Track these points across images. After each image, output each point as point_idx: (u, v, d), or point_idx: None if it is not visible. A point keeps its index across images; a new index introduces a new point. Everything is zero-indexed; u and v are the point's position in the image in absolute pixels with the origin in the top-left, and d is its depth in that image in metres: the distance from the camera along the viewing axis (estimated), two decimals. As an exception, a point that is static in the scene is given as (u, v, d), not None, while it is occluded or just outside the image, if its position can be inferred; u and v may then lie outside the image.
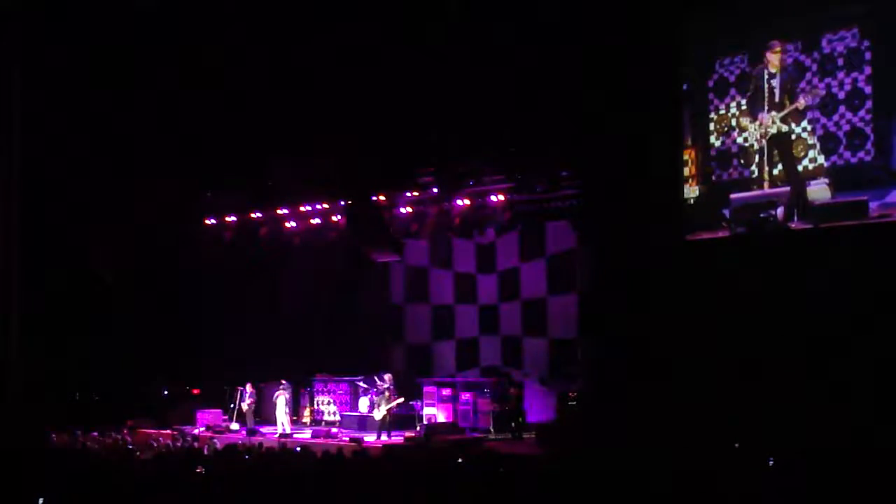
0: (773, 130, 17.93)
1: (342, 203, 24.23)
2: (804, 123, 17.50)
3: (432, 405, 22.95)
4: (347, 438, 20.93)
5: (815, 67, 17.41)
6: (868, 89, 16.82)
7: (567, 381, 21.78)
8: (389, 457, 14.42)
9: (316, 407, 24.62)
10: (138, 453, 15.96)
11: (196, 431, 22.54)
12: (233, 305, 26.29)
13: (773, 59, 17.91)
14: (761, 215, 17.86)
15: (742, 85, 18.35)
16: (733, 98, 18.49)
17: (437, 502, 11.10)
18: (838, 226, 16.97)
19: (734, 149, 18.44)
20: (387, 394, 21.52)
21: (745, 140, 18.30)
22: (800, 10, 17.72)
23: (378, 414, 21.50)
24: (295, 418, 24.26)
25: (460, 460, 13.07)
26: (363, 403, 23.01)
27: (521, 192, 22.12)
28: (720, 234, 18.48)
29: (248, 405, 23.54)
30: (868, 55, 16.81)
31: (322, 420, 24.19)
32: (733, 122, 18.47)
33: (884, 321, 16.03)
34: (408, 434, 21.23)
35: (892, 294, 16.04)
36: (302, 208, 25.15)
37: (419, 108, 21.34)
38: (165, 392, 25.61)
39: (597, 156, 19.76)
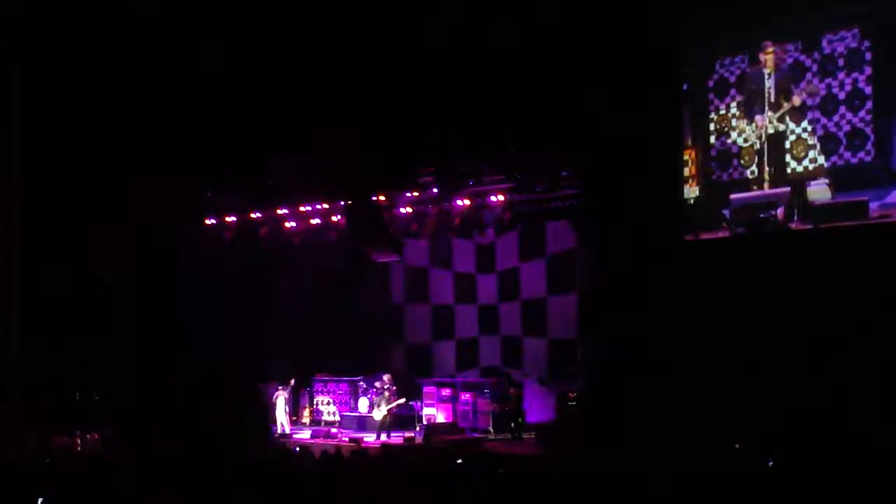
0: (772, 130, 17.93)
1: (342, 203, 24.18)
2: (804, 124, 17.50)
3: (432, 405, 22.94)
4: (347, 438, 20.94)
5: (815, 68, 17.40)
6: (868, 89, 16.81)
7: (567, 382, 21.77)
8: (388, 457, 14.41)
9: (315, 407, 24.63)
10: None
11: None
12: (233, 305, 26.26)
13: (767, 60, 17.93)
14: (761, 215, 17.85)
15: (742, 85, 18.36)
16: (733, 98, 18.48)
17: (437, 502, 11.10)
18: (838, 226, 16.95)
19: (734, 149, 18.44)
20: (386, 394, 21.53)
21: (746, 140, 18.28)
22: (800, 11, 17.70)
23: (378, 414, 21.51)
24: (294, 418, 24.25)
25: (460, 460, 13.06)
26: (363, 404, 23.01)
27: (521, 192, 22.08)
28: (720, 235, 18.47)
29: (248, 405, 23.55)
30: (868, 55, 16.81)
31: (322, 420, 24.20)
32: (733, 123, 18.46)
33: (884, 321, 16.02)
34: (406, 434, 21.24)
35: (892, 294, 16.03)
36: (302, 208, 25.09)
37: (419, 108, 21.33)
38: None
39: (597, 156, 19.76)
